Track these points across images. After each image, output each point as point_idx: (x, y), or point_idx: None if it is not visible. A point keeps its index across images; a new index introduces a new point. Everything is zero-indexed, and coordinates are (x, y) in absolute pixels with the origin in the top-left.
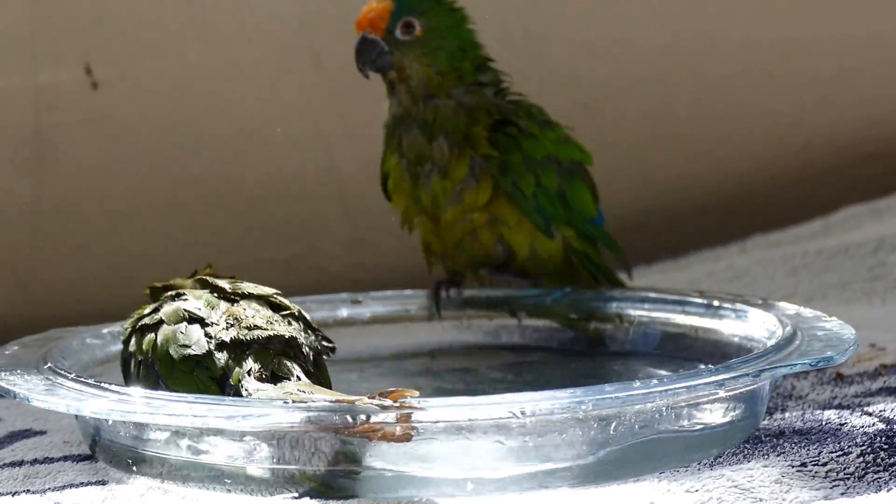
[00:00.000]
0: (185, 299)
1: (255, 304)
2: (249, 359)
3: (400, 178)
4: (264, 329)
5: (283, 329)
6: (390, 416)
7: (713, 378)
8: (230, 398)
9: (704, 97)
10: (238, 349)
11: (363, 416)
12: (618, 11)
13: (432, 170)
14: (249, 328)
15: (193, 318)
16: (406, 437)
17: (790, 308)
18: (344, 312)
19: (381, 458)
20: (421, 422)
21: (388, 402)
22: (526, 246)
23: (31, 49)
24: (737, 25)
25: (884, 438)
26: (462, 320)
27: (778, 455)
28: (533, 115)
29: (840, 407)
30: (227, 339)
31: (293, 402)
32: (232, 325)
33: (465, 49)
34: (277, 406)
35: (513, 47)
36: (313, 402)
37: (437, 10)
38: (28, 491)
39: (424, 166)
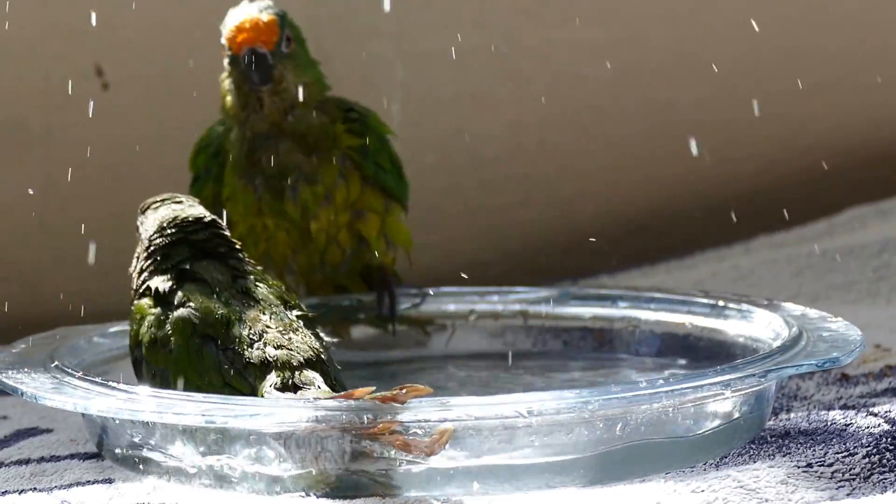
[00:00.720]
0: (191, 305)
1: (272, 307)
2: (273, 373)
3: (252, 199)
4: (288, 349)
5: (305, 343)
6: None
7: (719, 378)
8: (238, 397)
9: (709, 98)
10: (263, 368)
11: (385, 417)
12: (623, 12)
13: (298, 179)
14: (276, 347)
15: (207, 337)
16: (431, 452)
17: (796, 309)
18: None
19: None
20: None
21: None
22: (379, 238)
23: (42, 49)
24: (742, 27)
25: (889, 439)
26: (468, 320)
27: (783, 456)
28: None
29: (845, 408)
30: (254, 361)
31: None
32: (255, 342)
33: (309, 55)
34: (286, 405)
35: (519, 48)
36: (332, 401)
37: (294, 25)
38: (35, 489)
39: (289, 179)
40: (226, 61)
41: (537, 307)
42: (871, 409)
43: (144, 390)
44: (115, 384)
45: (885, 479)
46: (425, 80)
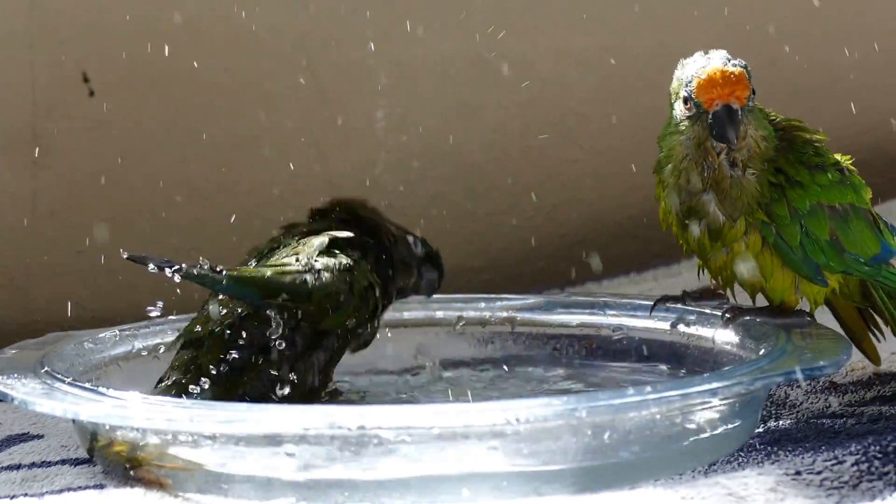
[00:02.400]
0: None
1: None
2: None
3: (668, 214)
4: None
5: None
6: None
7: (707, 386)
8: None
9: None
10: None
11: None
12: (607, 20)
13: (701, 224)
14: None
15: None
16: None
17: None
18: None
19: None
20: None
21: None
22: (785, 293)
23: (29, 56)
24: (725, 31)
25: (878, 447)
26: (455, 327)
27: (772, 463)
28: (806, 156)
29: (834, 416)
30: None
31: None
32: None
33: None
34: (274, 412)
35: (505, 57)
36: None
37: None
38: (26, 494)
39: (694, 219)
40: (680, 111)
41: (525, 314)
42: (859, 418)
43: (134, 396)
44: (105, 390)
45: (874, 486)
46: (410, 87)
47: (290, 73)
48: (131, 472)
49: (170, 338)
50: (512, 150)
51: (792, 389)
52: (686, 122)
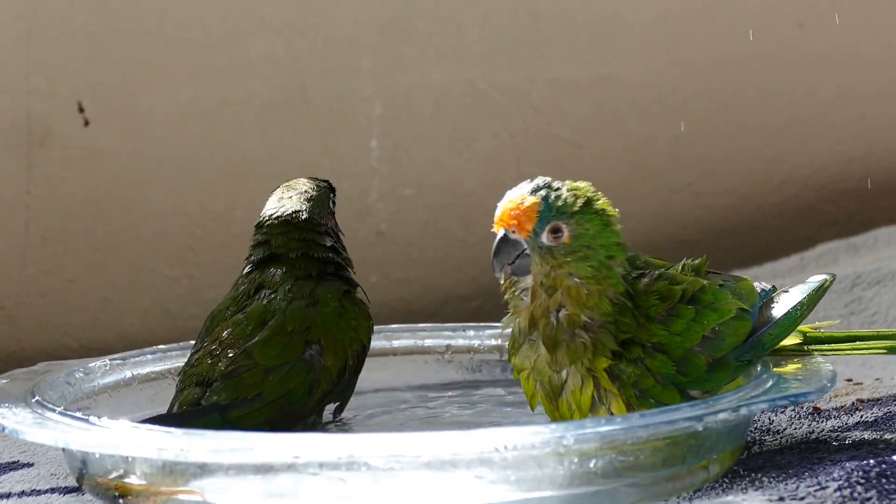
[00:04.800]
0: None
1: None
2: None
3: (528, 387)
4: None
5: None
6: None
7: (692, 413)
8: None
9: (684, 134)
10: None
11: None
12: (601, 50)
13: (563, 390)
14: None
15: None
16: None
17: None
18: None
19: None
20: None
21: None
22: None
23: (26, 85)
24: (716, 63)
25: (860, 473)
26: (445, 355)
27: (756, 489)
28: (652, 309)
29: (817, 441)
30: None
31: None
32: None
33: (612, 256)
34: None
35: (498, 86)
36: None
37: (586, 214)
38: None
39: (556, 390)
40: None
41: None
42: (842, 443)
43: (124, 425)
44: (94, 419)
45: None
46: (404, 115)
47: (286, 101)
48: (120, 501)
49: (160, 367)
50: (505, 178)
51: (776, 415)
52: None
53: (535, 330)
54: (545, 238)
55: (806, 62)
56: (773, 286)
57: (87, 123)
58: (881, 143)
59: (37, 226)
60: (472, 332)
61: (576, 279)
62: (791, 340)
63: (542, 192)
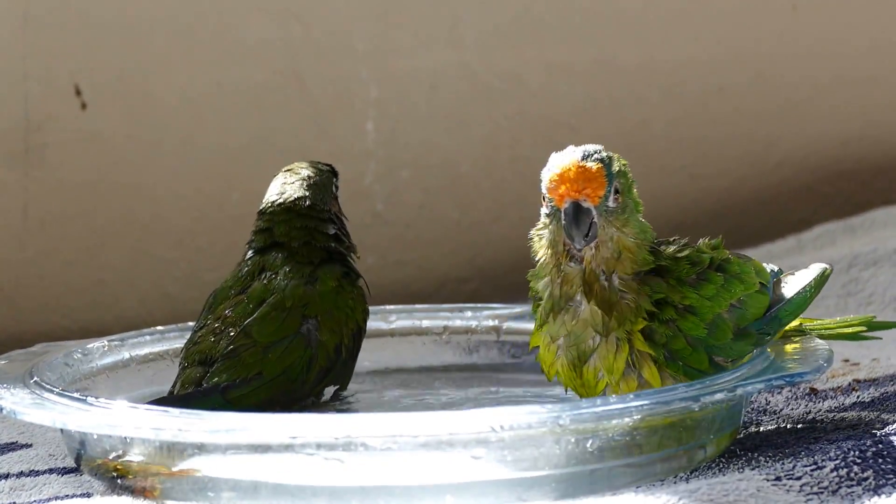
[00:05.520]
0: None
1: None
2: None
3: (552, 357)
4: None
5: None
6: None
7: (688, 393)
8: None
9: (680, 117)
10: None
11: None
12: (596, 34)
13: (592, 355)
14: None
15: None
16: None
17: None
18: None
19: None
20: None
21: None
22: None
23: (22, 69)
24: (711, 46)
25: (857, 452)
26: (442, 336)
27: (753, 469)
28: (684, 272)
29: (814, 422)
30: None
31: None
32: None
33: (638, 207)
34: (266, 421)
35: (493, 69)
36: None
37: (624, 172)
38: (14, 503)
39: (584, 357)
40: (544, 211)
41: (511, 323)
42: (839, 424)
43: (121, 405)
44: (92, 400)
45: (853, 492)
46: (399, 98)
47: (282, 85)
48: (118, 481)
49: (158, 348)
50: (500, 161)
51: (773, 396)
52: (545, 221)
53: (585, 295)
54: (611, 202)
55: (801, 44)
56: (780, 268)
57: (84, 107)
58: (877, 124)
59: (35, 209)
60: (469, 314)
61: (630, 237)
62: (794, 323)
63: (598, 157)
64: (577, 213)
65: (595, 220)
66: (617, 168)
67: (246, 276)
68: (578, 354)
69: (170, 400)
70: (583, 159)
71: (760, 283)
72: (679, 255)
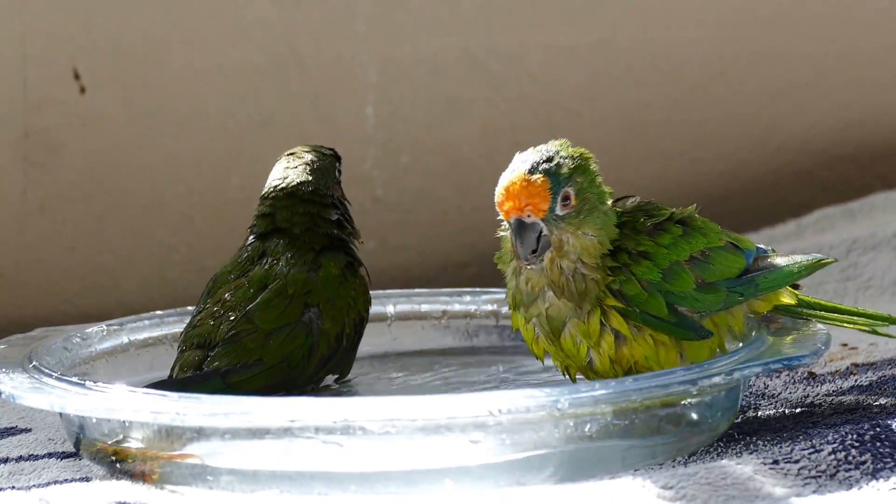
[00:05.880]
0: None
1: None
2: None
3: (531, 335)
4: None
5: None
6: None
7: (687, 377)
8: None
9: (680, 100)
10: None
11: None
12: (596, 16)
13: (568, 327)
14: None
15: None
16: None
17: None
18: None
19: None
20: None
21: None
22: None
23: (21, 52)
24: (711, 29)
25: (855, 436)
26: (441, 320)
27: (751, 453)
28: (639, 223)
29: (812, 405)
30: None
31: None
32: None
33: (602, 195)
34: (265, 405)
35: (493, 52)
36: None
37: (578, 170)
38: (13, 487)
39: (558, 331)
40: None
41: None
42: (837, 407)
43: (120, 389)
44: (91, 384)
45: (851, 476)
46: (399, 82)
47: (281, 68)
48: (117, 465)
49: (157, 332)
50: (500, 145)
51: (771, 380)
52: (504, 230)
53: (552, 290)
54: (559, 210)
55: (802, 27)
56: (772, 249)
57: (83, 91)
58: (878, 108)
59: (34, 193)
60: (468, 298)
61: (590, 234)
62: (786, 300)
63: (544, 168)
64: (521, 230)
65: (543, 233)
66: (568, 172)
67: (246, 261)
68: (552, 330)
69: (169, 384)
70: (529, 171)
71: (730, 242)
72: (637, 207)
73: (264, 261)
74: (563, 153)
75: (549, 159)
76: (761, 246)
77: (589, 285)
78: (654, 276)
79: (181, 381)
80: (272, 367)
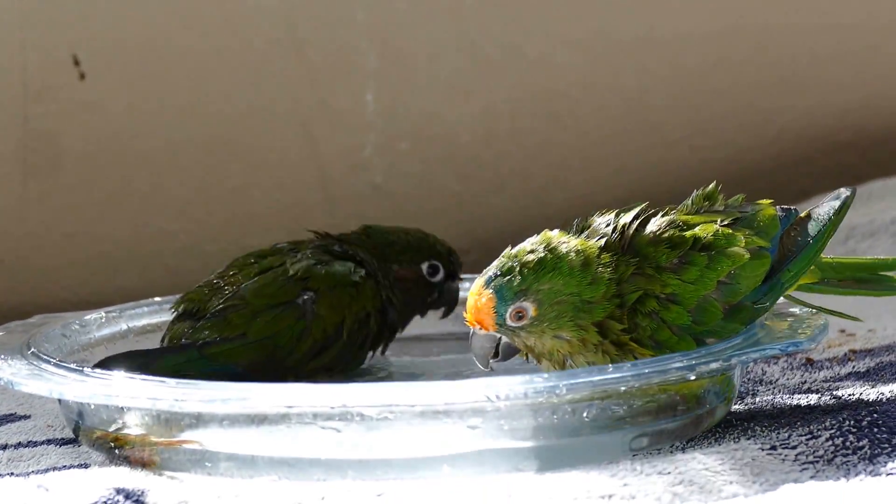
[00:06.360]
0: None
1: None
2: None
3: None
4: None
5: None
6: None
7: (684, 363)
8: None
9: (680, 87)
10: None
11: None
12: (596, 3)
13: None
14: None
15: None
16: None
17: None
18: None
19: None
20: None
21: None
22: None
23: (20, 38)
24: (712, 16)
25: (852, 422)
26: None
27: (749, 438)
28: (662, 258)
29: (810, 391)
30: None
31: None
32: None
33: (587, 298)
34: (263, 391)
35: (493, 39)
36: None
37: (541, 280)
38: (12, 474)
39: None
40: None
41: None
42: (834, 393)
43: (119, 376)
44: (89, 370)
45: (848, 461)
46: (399, 68)
47: (281, 55)
48: (116, 452)
49: (156, 319)
50: (500, 132)
51: (768, 366)
52: None
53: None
54: (512, 324)
55: (800, 16)
56: (795, 209)
57: (82, 77)
58: (876, 95)
59: (34, 180)
60: (468, 285)
61: (563, 336)
62: (808, 279)
63: (495, 284)
64: (473, 340)
65: (504, 341)
66: (520, 286)
67: (274, 249)
68: (558, 363)
69: (140, 354)
70: (485, 283)
71: (760, 246)
72: (659, 238)
73: (282, 250)
74: (527, 262)
75: (507, 272)
76: (782, 211)
77: (588, 344)
78: (684, 320)
79: (157, 351)
80: (254, 342)
